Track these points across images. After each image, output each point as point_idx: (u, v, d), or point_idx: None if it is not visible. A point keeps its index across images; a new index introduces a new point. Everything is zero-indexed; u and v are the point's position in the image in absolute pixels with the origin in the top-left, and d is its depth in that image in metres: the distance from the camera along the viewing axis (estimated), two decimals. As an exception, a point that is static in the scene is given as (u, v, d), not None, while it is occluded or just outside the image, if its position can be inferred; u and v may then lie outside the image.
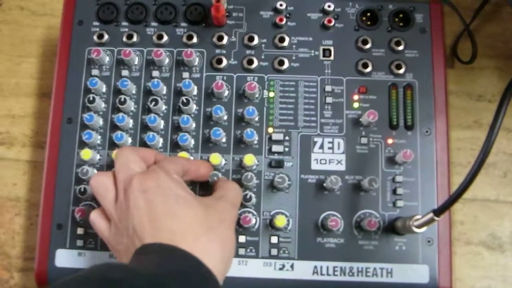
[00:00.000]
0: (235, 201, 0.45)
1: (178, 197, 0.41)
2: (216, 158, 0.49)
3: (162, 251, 0.37)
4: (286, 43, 0.52)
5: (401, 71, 0.52)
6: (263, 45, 0.53)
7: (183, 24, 0.53)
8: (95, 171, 0.50)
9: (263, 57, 0.52)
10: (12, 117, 0.58)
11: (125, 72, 0.52)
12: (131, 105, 0.51)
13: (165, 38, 0.53)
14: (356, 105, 0.51)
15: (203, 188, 0.49)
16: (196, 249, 0.37)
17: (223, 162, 0.50)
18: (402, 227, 0.47)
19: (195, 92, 0.51)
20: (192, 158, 0.50)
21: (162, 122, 0.51)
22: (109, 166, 0.50)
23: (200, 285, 0.36)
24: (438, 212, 0.41)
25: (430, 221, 0.42)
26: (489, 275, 0.53)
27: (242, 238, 0.49)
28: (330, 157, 0.50)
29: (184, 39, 0.53)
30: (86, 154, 0.49)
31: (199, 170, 0.47)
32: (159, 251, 0.37)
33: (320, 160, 0.50)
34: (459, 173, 0.55)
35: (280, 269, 0.48)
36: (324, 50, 0.52)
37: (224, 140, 0.50)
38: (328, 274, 0.48)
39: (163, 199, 0.40)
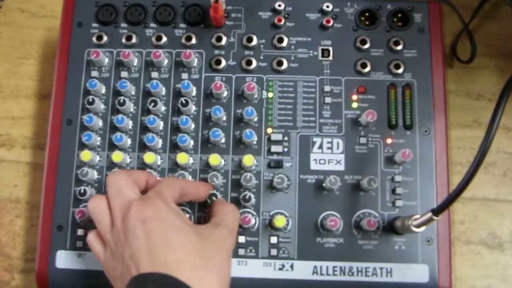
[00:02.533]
0: (233, 226, 0.45)
1: (176, 228, 0.41)
2: (215, 159, 0.49)
3: (160, 282, 0.37)
4: (284, 44, 0.52)
5: (400, 70, 0.52)
6: (261, 46, 0.53)
7: (182, 25, 0.53)
8: (95, 172, 0.50)
9: (261, 57, 0.52)
10: (12, 119, 0.58)
11: (124, 74, 0.52)
12: (130, 106, 0.51)
13: (164, 39, 0.53)
14: (355, 105, 0.51)
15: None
16: (194, 280, 0.38)
17: (222, 162, 0.50)
18: (401, 227, 0.47)
19: (194, 93, 0.52)
20: (191, 159, 0.50)
21: (161, 123, 0.51)
22: (108, 167, 0.50)
23: None
24: (436, 211, 0.41)
25: (429, 220, 0.42)
26: (489, 274, 0.53)
27: (241, 239, 0.49)
28: (329, 157, 0.50)
29: (183, 40, 0.53)
30: (86, 155, 0.50)
31: (198, 192, 0.47)
32: (157, 281, 0.37)
33: (319, 160, 0.50)
34: (458, 172, 0.55)
35: (280, 269, 0.48)
36: (322, 50, 0.53)
37: (223, 140, 0.50)
38: (327, 274, 0.48)
39: (161, 229, 0.40)
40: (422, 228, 0.44)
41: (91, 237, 0.45)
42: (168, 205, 0.42)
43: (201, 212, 0.49)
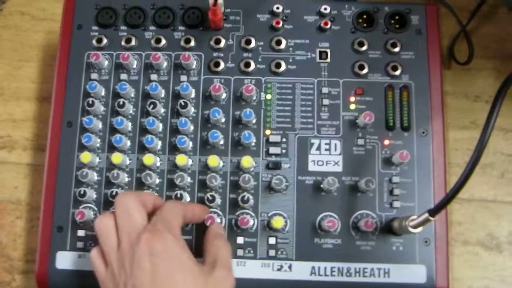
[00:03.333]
0: (229, 263, 0.45)
1: (182, 265, 0.41)
2: (214, 160, 0.49)
3: None
4: (283, 46, 0.53)
5: (397, 72, 0.52)
6: (260, 48, 0.53)
7: (181, 28, 0.54)
8: (95, 173, 0.51)
9: (260, 60, 0.53)
10: (13, 121, 0.59)
11: (124, 76, 0.53)
12: (130, 108, 0.52)
13: (163, 42, 0.53)
14: (352, 106, 0.51)
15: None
16: None
17: (221, 164, 0.50)
18: (399, 228, 0.47)
19: (193, 95, 0.52)
20: (190, 160, 0.50)
21: (160, 125, 0.51)
22: (108, 168, 0.51)
23: None
24: (433, 212, 0.42)
25: (426, 221, 0.43)
26: (487, 275, 0.53)
27: (240, 240, 0.49)
28: (327, 158, 0.50)
29: (182, 43, 0.53)
30: (86, 157, 0.50)
31: (194, 216, 0.47)
32: None
33: (317, 161, 0.50)
34: (456, 174, 0.55)
35: (278, 269, 0.48)
36: (320, 52, 0.53)
37: (222, 142, 0.51)
38: (325, 275, 0.48)
39: (167, 265, 0.40)
40: (419, 229, 0.45)
41: (94, 254, 0.45)
42: (177, 239, 0.42)
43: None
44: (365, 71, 0.52)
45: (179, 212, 0.45)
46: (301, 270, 0.48)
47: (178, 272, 0.40)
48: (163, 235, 0.41)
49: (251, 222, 0.49)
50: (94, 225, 0.44)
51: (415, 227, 0.44)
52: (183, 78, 0.52)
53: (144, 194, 0.47)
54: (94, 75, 0.53)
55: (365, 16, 0.54)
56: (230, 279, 0.44)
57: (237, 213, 0.49)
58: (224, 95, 0.52)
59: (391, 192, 0.50)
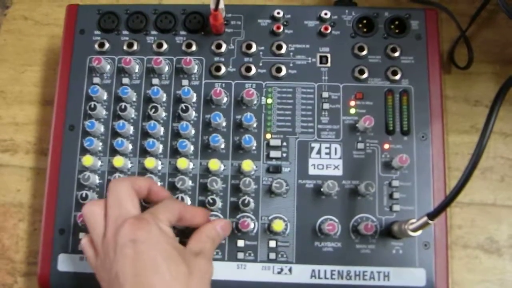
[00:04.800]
0: (211, 255, 0.46)
1: (165, 253, 0.40)
2: (214, 164, 0.49)
3: None
4: (283, 51, 0.53)
5: (397, 77, 0.52)
6: (261, 53, 0.53)
7: (182, 33, 0.54)
8: (97, 177, 0.51)
9: (261, 64, 0.53)
10: (15, 125, 0.59)
11: (125, 80, 0.53)
12: (131, 112, 0.52)
13: (165, 46, 0.54)
14: (352, 111, 0.52)
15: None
16: None
17: (222, 167, 0.50)
18: (398, 231, 0.47)
19: (194, 99, 0.52)
20: (191, 164, 0.51)
21: (162, 129, 0.52)
22: (110, 172, 0.51)
23: None
24: (432, 215, 0.42)
25: (425, 224, 0.43)
26: (487, 278, 0.53)
27: (241, 243, 0.49)
28: (327, 162, 0.51)
29: (183, 47, 0.54)
30: (88, 160, 0.50)
31: (194, 218, 0.47)
32: None
33: (318, 165, 0.51)
34: (456, 178, 0.54)
35: (279, 272, 0.49)
36: (321, 57, 0.53)
37: (222, 146, 0.51)
38: (326, 278, 0.49)
39: (150, 253, 0.40)
40: (419, 232, 0.45)
41: (85, 242, 0.45)
42: (162, 228, 0.42)
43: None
44: (365, 75, 0.52)
45: (176, 209, 0.45)
46: (301, 273, 0.49)
47: (160, 260, 0.40)
48: (148, 223, 0.41)
49: (252, 225, 0.49)
50: (82, 211, 0.44)
51: (414, 230, 0.45)
52: (185, 82, 0.53)
53: (138, 179, 0.46)
54: (96, 79, 0.53)
55: (365, 21, 0.55)
56: (210, 270, 0.44)
57: (238, 216, 0.50)
58: (225, 99, 0.52)
59: (391, 196, 0.50)
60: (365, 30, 0.54)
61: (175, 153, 0.51)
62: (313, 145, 0.51)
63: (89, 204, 0.44)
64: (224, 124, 0.52)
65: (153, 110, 0.51)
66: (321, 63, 0.53)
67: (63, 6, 0.57)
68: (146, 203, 0.48)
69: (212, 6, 0.50)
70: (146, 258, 0.39)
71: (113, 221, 0.42)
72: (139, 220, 0.41)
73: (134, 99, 0.53)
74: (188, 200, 0.50)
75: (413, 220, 0.45)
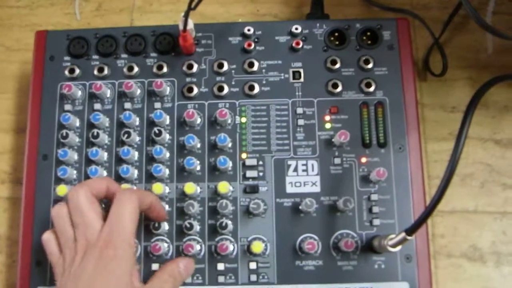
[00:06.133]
0: None
1: (120, 282, 0.41)
2: (190, 187, 0.49)
3: None
4: (255, 68, 0.53)
5: (371, 89, 0.52)
6: (233, 71, 0.53)
7: (153, 54, 0.54)
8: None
9: (233, 83, 0.53)
10: (-10, 155, 0.58)
11: (97, 106, 0.52)
12: (105, 138, 0.52)
13: (136, 69, 0.53)
14: (328, 125, 0.51)
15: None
16: None
17: (198, 190, 0.50)
18: (379, 246, 0.47)
19: (167, 122, 0.52)
20: (167, 188, 0.50)
21: (136, 154, 0.51)
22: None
23: None
24: (410, 231, 0.42)
25: (404, 240, 0.43)
26: (471, 287, 0.53)
27: (220, 266, 0.49)
28: (304, 179, 0.50)
29: (155, 69, 0.53)
30: (62, 190, 0.50)
31: (160, 213, 0.48)
32: None
33: (295, 183, 0.50)
34: (437, 186, 0.54)
35: (261, 294, 0.48)
36: (293, 72, 0.53)
37: (198, 168, 0.50)
38: (308, 297, 0.48)
39: (107, 278, 0.40)
40: (398, 248, 0.44)
41: (49, 237, 0.45)
42: (127, 249, 0.42)
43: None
44: (339, 89, 0.52)
45: (147, 194, 0.47)
46: (283, 294, 0.48)
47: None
48: (116, 246, 0.41)
49: (231, 248, 0.48)
50: (51, 213, 0.45)
51: (393, 246, 0.44)
52: (157, 105, 0.52)
53: (94, 182, 0.45)
54: (67, 106, 0.53)
55: (337, 34, 0.54)
56: None
57: (217, 239, 0.49)
58: (198, 121, 0.52)
59: (370, 210, 0.49)
60: (337, 42, 0.54)
61: (151, 177, 0.50)
62: (289, 162, 0.51)
63: (57, 207, 0.45)
64: (198, 145, 0.51)
65: (126, 135, 0.50)
66: (294, 78, 0.53)
67: (33, 31, 0.56)
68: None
69: (181, 27, 0.50)
70: (101, 281, 0.40)
71: (82, 233, 0.43)
72: (109, 236, 0.42)
73: (107, 125, 0.52)
74: (165, 226, 0.49)
75: (392, 236, 0.44)
